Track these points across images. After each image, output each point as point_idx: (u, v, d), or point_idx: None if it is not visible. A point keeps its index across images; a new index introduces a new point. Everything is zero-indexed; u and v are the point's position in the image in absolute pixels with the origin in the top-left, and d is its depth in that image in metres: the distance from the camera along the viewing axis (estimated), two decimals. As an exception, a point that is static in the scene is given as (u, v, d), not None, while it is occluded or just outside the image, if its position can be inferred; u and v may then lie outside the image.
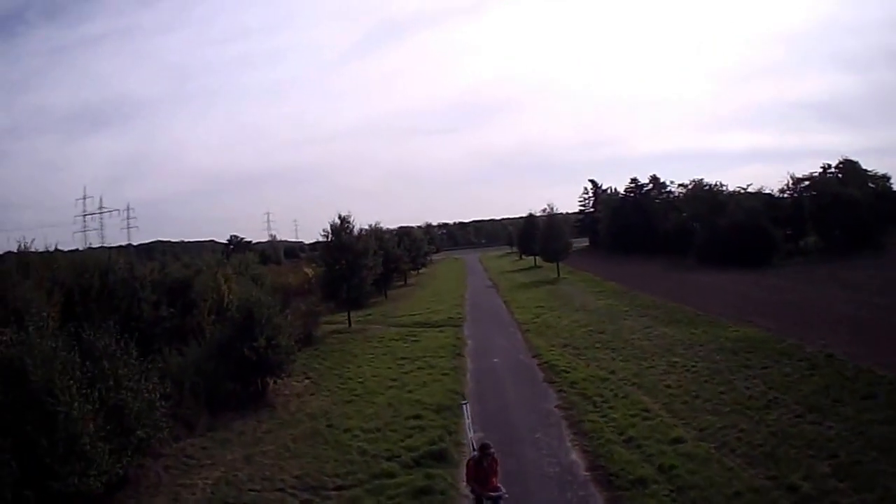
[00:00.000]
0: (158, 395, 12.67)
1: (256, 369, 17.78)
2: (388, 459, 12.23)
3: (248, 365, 17.45)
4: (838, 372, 15.04)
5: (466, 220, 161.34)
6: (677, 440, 11.92)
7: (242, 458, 13.25)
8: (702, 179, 53.38)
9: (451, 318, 31.87)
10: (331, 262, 32.64)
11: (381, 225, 47.89)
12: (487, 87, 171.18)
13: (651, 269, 47.09)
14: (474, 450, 9.62)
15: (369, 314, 35.77)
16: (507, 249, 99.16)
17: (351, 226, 33.00)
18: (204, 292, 22.00)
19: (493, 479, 8.97)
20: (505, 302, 37.37)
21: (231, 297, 22.01)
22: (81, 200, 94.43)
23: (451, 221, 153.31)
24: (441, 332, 27.70)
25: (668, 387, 15.76)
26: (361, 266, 32.67)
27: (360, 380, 19.64)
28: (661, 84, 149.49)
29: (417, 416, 14.92)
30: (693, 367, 17.41)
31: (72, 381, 10.73)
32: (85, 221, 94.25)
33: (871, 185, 42.48)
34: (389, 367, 21.12)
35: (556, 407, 15.26)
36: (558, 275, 49.12)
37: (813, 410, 12.73)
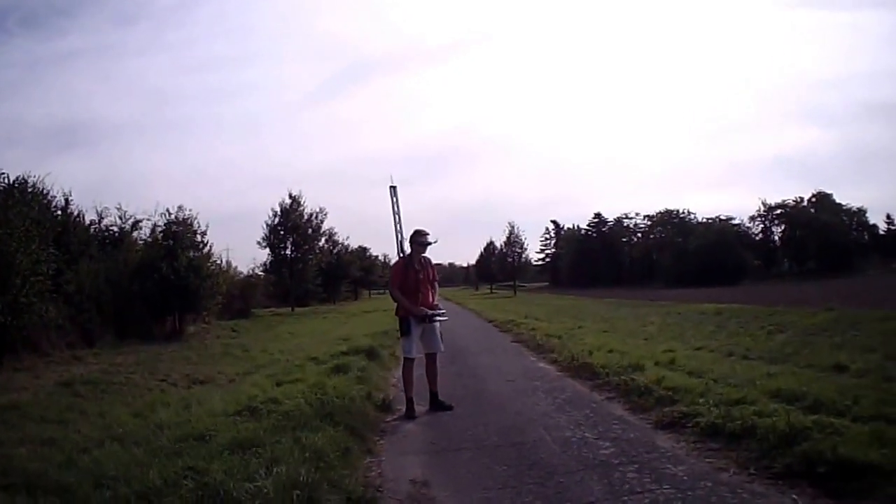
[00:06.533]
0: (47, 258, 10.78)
1: (175, 296, 14.90)
2: (311, 359, 9.85)
3: (165, 289, 14.55)
4: (841, 315, 12.87)
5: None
6: (669, 350, 9.07)
7: (134, 361, 11.34)
8: (667, 208, 52.74)
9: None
10: (276, 244, 29.94)
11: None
12: (444, 139, 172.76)
13: (615, 292, 45.26)
14: (402, 252, 6.61)
15: (315, 310, 32.67)
16: (463, 286, 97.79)
17: (301, 207, 30.48)
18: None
19: (429, 293, 6.02)
20: (458, 303, 34.75)
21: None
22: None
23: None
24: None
25: (646, 328, 13.44)
26: (309, 248, 30.02)
27: (290, 332, 17.00)
28: (624, 145, 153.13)
29: (347, 339, 12.41)
30: (673, 323, 15.17)
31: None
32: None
33: (844, 217, 42.04)
34: (329, 326, 18.36)
35: (513, 342, 12.67)
36: (515, 293, 46.95)
37: (826, 331, 10.62)
